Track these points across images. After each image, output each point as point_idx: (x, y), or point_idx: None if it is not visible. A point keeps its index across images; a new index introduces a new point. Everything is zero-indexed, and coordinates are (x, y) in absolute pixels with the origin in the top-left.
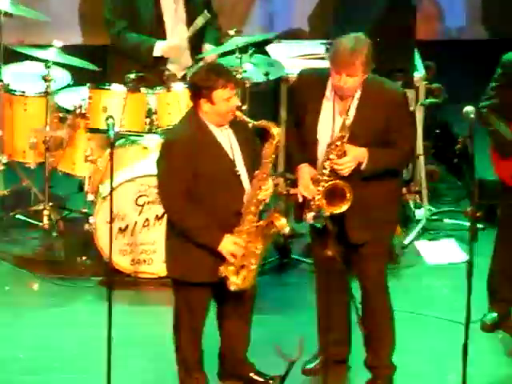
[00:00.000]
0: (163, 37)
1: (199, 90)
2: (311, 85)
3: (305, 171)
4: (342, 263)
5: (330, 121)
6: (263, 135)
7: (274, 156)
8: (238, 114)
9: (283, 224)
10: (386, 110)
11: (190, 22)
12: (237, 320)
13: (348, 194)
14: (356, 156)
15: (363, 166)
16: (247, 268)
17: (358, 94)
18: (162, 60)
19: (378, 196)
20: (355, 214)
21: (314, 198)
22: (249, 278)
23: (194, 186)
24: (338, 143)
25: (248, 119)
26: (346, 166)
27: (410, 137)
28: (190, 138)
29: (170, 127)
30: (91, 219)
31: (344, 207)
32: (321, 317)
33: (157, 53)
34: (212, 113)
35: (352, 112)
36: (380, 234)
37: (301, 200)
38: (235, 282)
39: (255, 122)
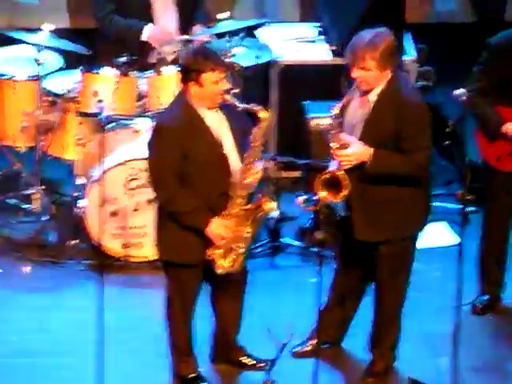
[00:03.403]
0: (151, 20)
1: (188, 72)
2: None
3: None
4: (333, 245)
5: (353, 111)
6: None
7: (262, 140)
8: (227, 96)
9: (272, 207)
10: (399, 116)
11: (179, 3)
12: (229, 303)
13: (344, 186)
14: (359, 152)
15: (368, 165)
16: (235, 251)
17: (378, 90)
18: (151, 44)
19: (391, 200)
20: (363, 212)
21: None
22: (237, 261)
23: (183, 168)
24: (332, 132)
25: (237, 102)
26: (343, 158)
27: (423, 147)
28: (179, 121)
29: (161, 110)
30: (82, 203)
31: (339, 198)
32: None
33: (144, 38)
34: (201, 96)
35: (369, 108)
36: (393, 236)
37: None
38: (222, 265)
39: (243, 106)
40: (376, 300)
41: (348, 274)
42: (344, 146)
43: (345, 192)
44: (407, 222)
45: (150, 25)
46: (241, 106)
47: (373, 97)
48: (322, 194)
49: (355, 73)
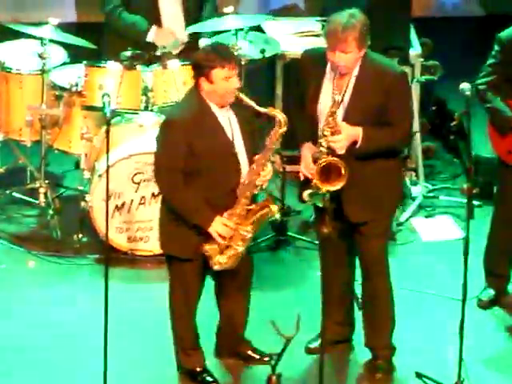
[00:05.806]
0: (157, 16)
1: (199, 68)
2: (313, 63)
3: (307, 150)
4: (337, 240)
5: (330, 99)
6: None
7: (278, 143)
8: (243, 96)
9: (274, 210)
10: (384, 89)
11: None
12: (235, 297)
13: (343, 172)
14: (350, 134)
15: (358, 144)
16: (233, 249)
17: (355, 72)
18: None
19: (377, 175)
20: (353, 193)
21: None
22: (233, 258)
23: (191, 164)
24: (330, 119)
25: (253, 103)
26: (339, 143)
27: (407, 117)
28: (191, 117)
29: (169, 104)
30: (87, 197)
31: (339, 185)
32: (323, 295)
33: (149, 39)
34: (211, 92)
35: (349, 89)
36: (379, 214)
37: (302, 179)
38: (219, 261)
39: (262, 109)
40: (366, 288)
41: (332, 263)
42: (335, 133)
43: (345, 177)
44: (392, 197)
45: (154, 27)
46: (259, 109)
47: (352, 77)
48: (326, 187)
49: (336, 57)
